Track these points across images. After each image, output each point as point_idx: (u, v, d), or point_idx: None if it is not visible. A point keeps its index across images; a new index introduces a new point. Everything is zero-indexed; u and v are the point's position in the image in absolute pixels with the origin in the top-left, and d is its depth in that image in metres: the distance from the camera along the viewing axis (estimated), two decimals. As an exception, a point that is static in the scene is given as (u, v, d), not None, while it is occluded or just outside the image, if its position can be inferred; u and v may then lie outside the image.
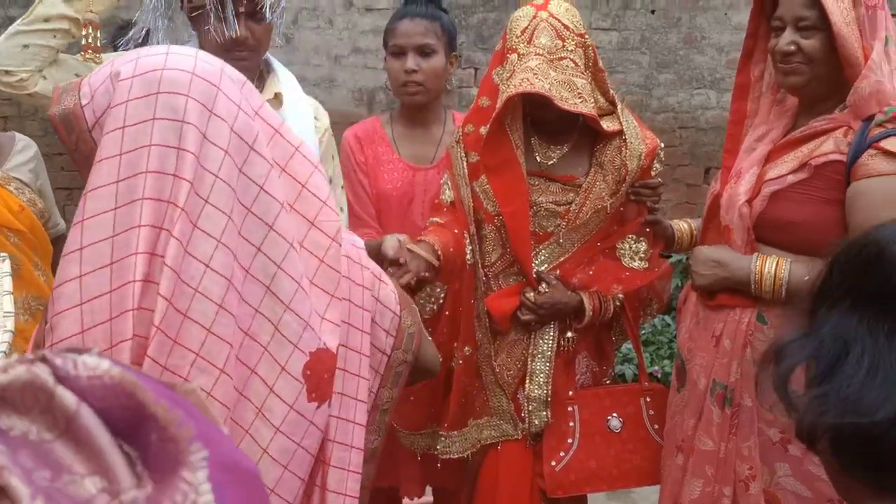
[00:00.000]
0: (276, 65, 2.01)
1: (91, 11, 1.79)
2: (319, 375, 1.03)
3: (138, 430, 0.43)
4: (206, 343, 0.93)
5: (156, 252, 0.93)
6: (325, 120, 2.10)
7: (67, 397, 0.41)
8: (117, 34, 3.54)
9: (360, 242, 1.23)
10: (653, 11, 4.35)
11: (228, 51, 1.83)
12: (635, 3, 4.35)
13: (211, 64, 1.00)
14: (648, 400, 2.02)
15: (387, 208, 2.25)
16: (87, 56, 1.80)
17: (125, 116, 0.94)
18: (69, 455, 0.41)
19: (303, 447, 1.04)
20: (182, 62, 0.97)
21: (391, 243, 1.90)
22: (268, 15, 1.80)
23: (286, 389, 1.01)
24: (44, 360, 0.42)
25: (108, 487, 0.40)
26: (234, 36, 1.76)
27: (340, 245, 1.10)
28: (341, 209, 2.18)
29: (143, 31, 1.83)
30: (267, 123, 1.04)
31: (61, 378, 0.42)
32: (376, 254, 1.98)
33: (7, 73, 1.78)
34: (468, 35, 4.46)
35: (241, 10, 1.75)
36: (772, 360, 0.78)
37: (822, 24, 1.56)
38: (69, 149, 1.01)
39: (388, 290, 1.22)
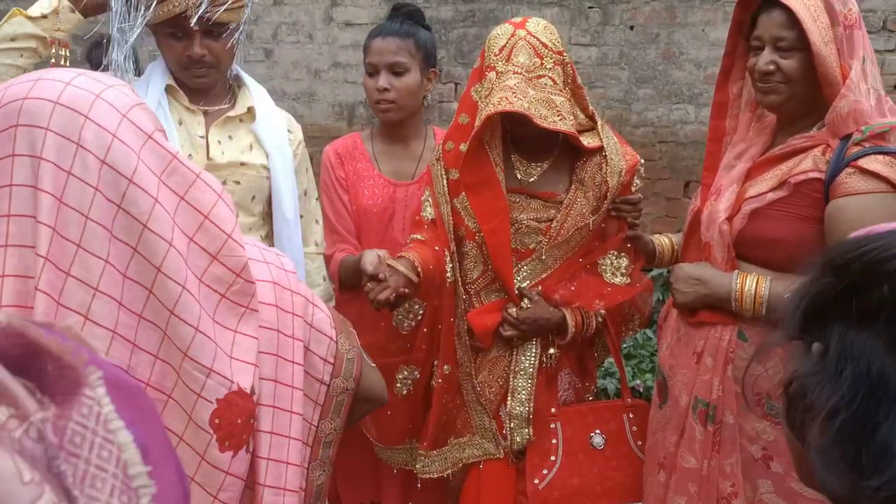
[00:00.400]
0: (248, 79, 2.01)
1: (59, 30, 1.78)
2: (232, 422, 0.94)
3: (32, 364, 0.48)
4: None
5: (26, 305, 0.83)
6: (299, 133, 2.10)
7: None
8: (92, 49, 3.52)
9: (291, 265, 1.15)
10: (632, 27, 4.38)
11: (187, 68, 1.85)
12: (614, 20, 4.39)
13: (85, 89, 0.90)
14: (631, 416, 2.01)
15: (367, 224, 2.24)
16: None
17: None
18: None
19: (220, 500, 0.96)
20: (48, 89, 0.88)
21: (370, 259, 1.89)
22: (228, 35, 1.81)
23: (195, 440, 0.93)
24: None
25: (17, 413, 0.45)
26: (190, 54, 1.80)
27: (249, 280, 1.00)
28: (316, 221, 2.17)
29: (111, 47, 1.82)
30: (163, 149, 0.94)
31: None
32: (355, 269, 1.97)
33: None
34: (448, 50, 4.47)
35: (197, 28, 1.76)
36: (790, 399, 0.72)
37: (801, 44, 1.58)
38: None
39: (322, 314, 1.15)
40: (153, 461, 0.50)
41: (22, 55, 1.77)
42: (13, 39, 1.76)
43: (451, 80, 4.50)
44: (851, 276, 0.69)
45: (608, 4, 4.38)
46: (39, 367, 0.49)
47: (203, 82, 1.89)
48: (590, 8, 4.39)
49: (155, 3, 1.75)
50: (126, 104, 0.92)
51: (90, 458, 0.47)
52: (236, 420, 0.94)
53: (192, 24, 1.75)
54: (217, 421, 0.92)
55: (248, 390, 0.96)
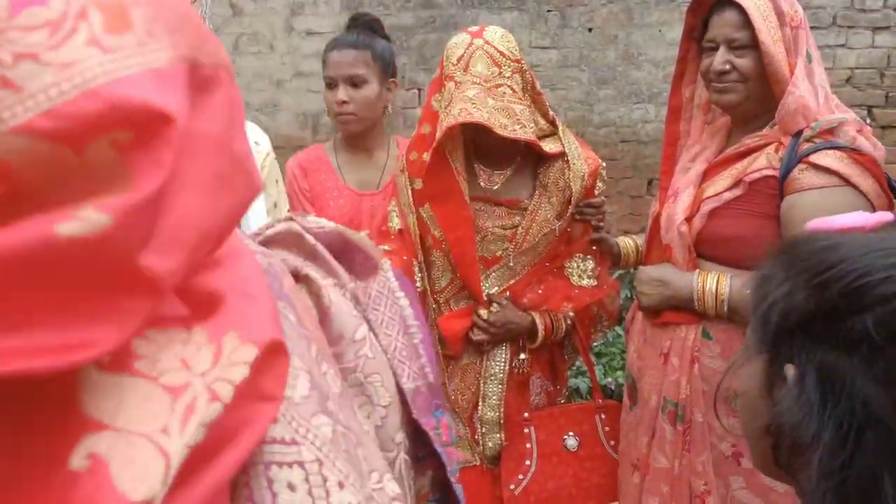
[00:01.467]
0: None
1: None
2: None
3: (347, 255, 0.69)
4: None
5: None
6: (266, 144, 2.09)
7: (309, 237, 0.67)
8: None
9: None
10: (590, 30, 4.43)
11: None
12: (573, 22, 4.43)
13: None
14: (603, 417, 2.03)
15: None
16: None
17: None
18: (315, 268, 0.65)
19: None
20: None
21: None
22: None
23: None
24: (291, 219, 0.69)
25: (338, 282, 0.66)
26: None
27: None
28: None
29: None
30: None
31: (304, 228, 0.68)
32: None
33: None
34: (410, 56, 4.47)
35: None
36: (774, 439, 0.69)
37: (753, 43, 1.61)
38: None
39: None
40: (419, 321, 0.71)
41: None
42: None
43: (414, 86, 4.50)
44: (830, 299, 0.66)
45: (566, 7, 4.42)
46: (351, 257, 0.69)
47: None
48: (548, 11, 4.43)
49: None
50: None
51: (385, 311, 0.68)
52: None
53: None
54: None
55: None
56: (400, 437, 0.64)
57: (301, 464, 0.48)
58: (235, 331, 0.45)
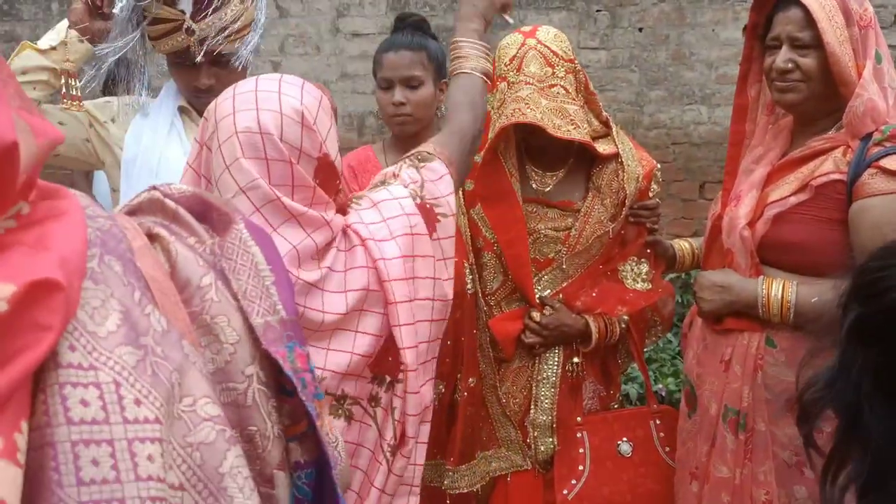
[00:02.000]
0: None
1: (68, 61, 1.79)
2: None
3: (206, 215, 0.78)
4: None
5: None
6: None
7: (170, 202, 0.77)
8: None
9: None
10: (640, 29, 4.36)
11: (196, 97, 1.86)
12: (623, 22, 4.37)
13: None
14: (658, 422, 1.99)
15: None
16: (66, 104, 1.80)
17: None
18: (177, 229, 0.75)
19: None
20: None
21: None
22: (235, 63, 1.81)
23: None
24: (154, 188, 0.79)
25: (198, 241, 0.75)
26: (197, 85, 1.82)
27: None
28: None
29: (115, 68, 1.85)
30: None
31: (165, 195, 0.78)
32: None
33: None
34: (457, 58, 4.46)
35: (203, 59, 1.77)
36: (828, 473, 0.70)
37: (817, 42, 1.56)
38: None
39: None
40: (273, 266, 0.78)
41: (35, 88, 1.78)
42: (24, 73, 1.77)
43: (461, 87, 4.49)
44: None
45: (616, 7, 4.36)
46: (209, 216, 0.78)
47: None
48: (598, 11, 4.37)
49: (157, 37, 1.77)
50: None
51: (237, 260, 0.76)
52: None
53: (196, 60, 1.76)
54: None
55: None
56: (251, 370, 0.73)
57: (97, 384, 0.58)
58: None
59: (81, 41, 1.82)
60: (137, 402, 0.59)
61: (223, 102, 1.15)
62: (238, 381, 0.72)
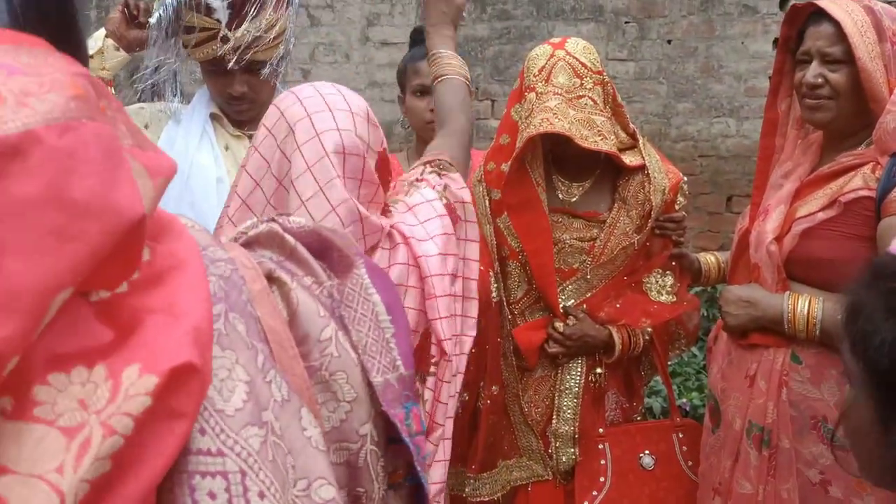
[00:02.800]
0: None
1: (104, 69, 1.83)
2: None
3: (325, 253, 0.75)
4: None
5: None
6: None
7: (289, 238, 0.73)
8: (135, 72, 3.60)
9: None
10: (669, 42, 4.36)
11: (229, 104, 1.89)
12: (651, 34, 4.37)
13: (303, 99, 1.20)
14: (681, 436, 1.98)
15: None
16: None
17: None
18: (293, 267, 0.72)
19: None
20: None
21: None
22: (266, 71, 1.84)
23: None
24: (273, 220, 0.75)
25: (316, 280, 0.72)
26: (230, 92, 1.84)
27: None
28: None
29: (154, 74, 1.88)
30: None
31: (284, 229, 0.74)
32: (400, 292, 1.97)
33: None
34: (484, 67, 4.48)
35: (237, 67, 1.79)
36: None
37: (848, 58, 1.55)
38: None
39: None
40: (393, 315, 0.75)
41: None
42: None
43: (488, 97, 4.51)
44: None
45: (645, 19, 4.36)
46: (329, 255, 0.75)
47: (245, 115, 1.93)
48: (626, 23, 4.38)
49: (192, 45, 1.79)
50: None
51: (357, 308, 0.73)
52: None
53: (229, 67, 1.79)
54: None
55: None
56: (366, 429, 0.70)
57: (224, 474, 0.54)
58: (138, 362, 0.49)
59: (117, 49, 1.85)
60: (261, 496, 0.55)
61: (293, 107, 1.18)
62: (352, 440, 0.69)
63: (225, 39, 1.77)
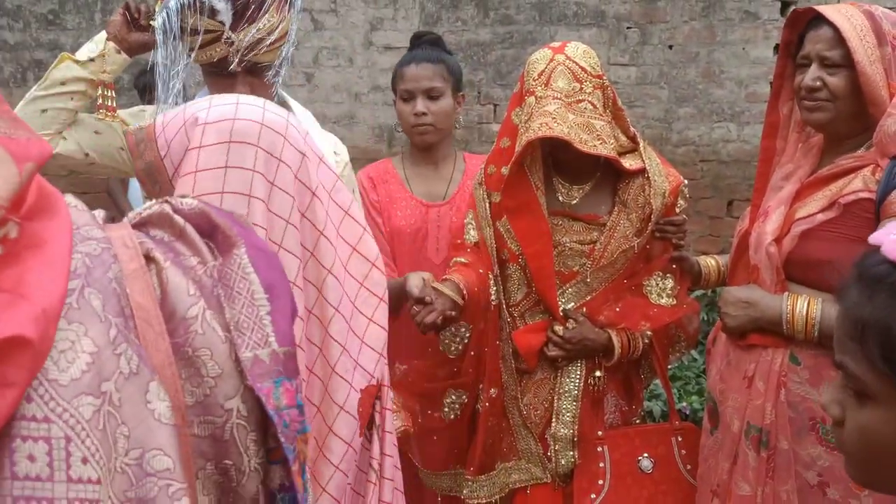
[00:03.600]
0: (293, 104, 2.04)
1: (105, 72, 1.82)
2: (366, 409, 1.09)
3: (212, 234, 0.76)
4: None
5: None
6: (345, 154, 2.11)
7: (178, 219, 0.75)
8: (139, 76, 3.61)
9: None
10: (671, 47, 4.37)
11: None
12: (653, 39, 4.38)
13: (277, 114, 1.05)
14: (680, 440, 1.98)
15: (400, 245, 2.27)
16: (102, 115, 1.83)
17: (198, 161, 1.00)
18: (182, 247, 0.74)
19: (350, 482, 1.09)
20: (251, 112, 1.03)
21: (415, 282, 1.91)
22: (269, 74, 1.84)
23: (345, 428, 1.05)
24: (166, 201, 0.77)
25: (201, 261, 0.74)
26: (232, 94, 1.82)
27: (381, 270, 1.13)
28: None
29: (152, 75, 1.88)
30: (331, 170, 1.10)
31: (175, 209, 0.76)
32: (399, 292, 1.98)
33: None
34: (487, 72, 4.50)
35: (239, 69, 1.79)
36: None
37: (847, 62, 1.56)
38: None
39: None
40: (272, 293, 0.75)
41: (72, 98, 1.80)
42: (63, 83, 1.79)
43: (490, 101, 4.52)
44: None
45: (646, 24, 4.37)
46: (215, 235, 0.77)
47: None
48: (628, 28, 4.39)
49: (197, 47, 1.79)
50: (303, 130, 1.08)
51: (233, 287, 0.74)
52: (368, 408, 1.11)
53: (231, 69, 1.79)
54: (360, 409, 1.08)
55: (376, 377, 1.13)
56: (231, 404, 0.71)
57: (48, 439, 0.57)
58: None
59: (119, 52, 1.84)
60: (84, 461, 0.58)
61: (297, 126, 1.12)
62: (216, 414, 0.71)
63: (229, 42, 1.77)
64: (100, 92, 1.83)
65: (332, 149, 2.06)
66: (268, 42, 1.80)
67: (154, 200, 0.78)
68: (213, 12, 1.75)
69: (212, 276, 0.73)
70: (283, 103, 2.04)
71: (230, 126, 1.00)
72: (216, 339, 0.70)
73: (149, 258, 0.70)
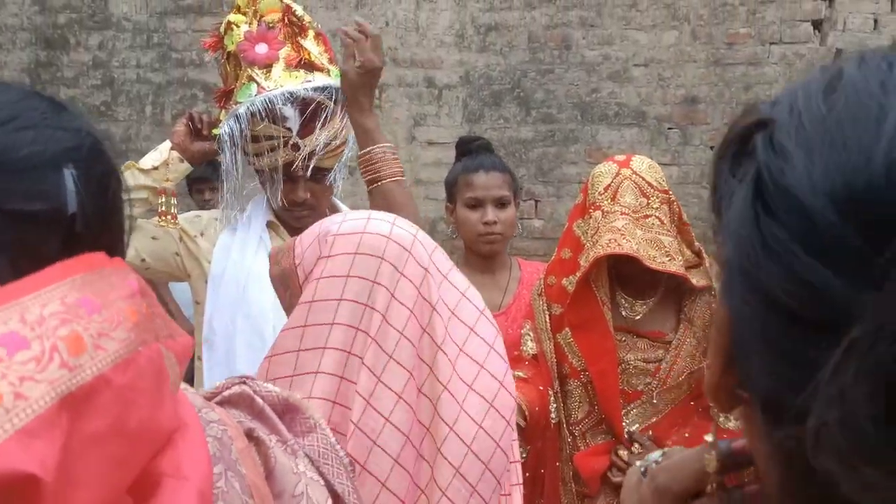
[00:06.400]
0: (343, 208, 2.05)
1: (167, 180, 1.87)
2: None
3: (288, 414, 0.81)
4: (380, 497, 0.97)
5: (345, 404, 1.00)
6: None
7: (258, 399, 0.79)
8: (195, 182, 3.67)
9: None
10: (711, 147, 4.38)
11: (290, 209, 1.88)
12: (694, 140, 4.40)
13: (405, 230, 1.08)
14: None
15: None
16: (163, 221, 1.87)
17: (323, 270, 1.04)
18: (260, 426, 0.76)
19: None
20: (380, 227, 1.07)
21: None
22: (330, 178, 1.86)
23: None
24: (244, 383, 0.81)
25: (279, 439, 0.77)
26: (294, 198, 1.84)
27: (510, 391, 1.10)
28: None
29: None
30: (455, 288, 1.09)
31: (254, 391, 0.80)
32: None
33: None
34: (528, 168, 4.53)
35: (301, 174, 1.81)
36: None
37: None
38: (284, 305, 1.11)
39: None
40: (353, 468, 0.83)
41: (135, 206, 1.85)
42: (126, 191, 1.83)
43: (532, 197, 4.54)
44: None
45: (687, 125, 4.40)
46: (292, 417, 0.81)
47: (304, 222, 1.93)
48: (669, 128, 4.42)
49: (259, 153, 1.82)
50: (431, 245, 1.10)
51: (333, 465, 0.79)
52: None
53: (298, 173, 1.81)
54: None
55: None
56: None
57: None
58: None
59: (181, 161, 1.89)
60: None
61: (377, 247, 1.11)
62: None
63: (296, 147, 1.79)
64: (162, 199, 1.86)
65: None
66: (331, 147, 1.82)
67: (235, 379, 0.82)
68: (282, 119, 1.79)
69: (293, 454, 0.78)
70: (334, 208, 2.04)
71: (359, 239, 1.04)
72: None
73: (250, 437, 0.74)
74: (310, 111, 1.77)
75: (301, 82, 1.79)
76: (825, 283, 0.35)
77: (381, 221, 1.08)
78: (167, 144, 1.92)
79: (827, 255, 0.35)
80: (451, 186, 2.31)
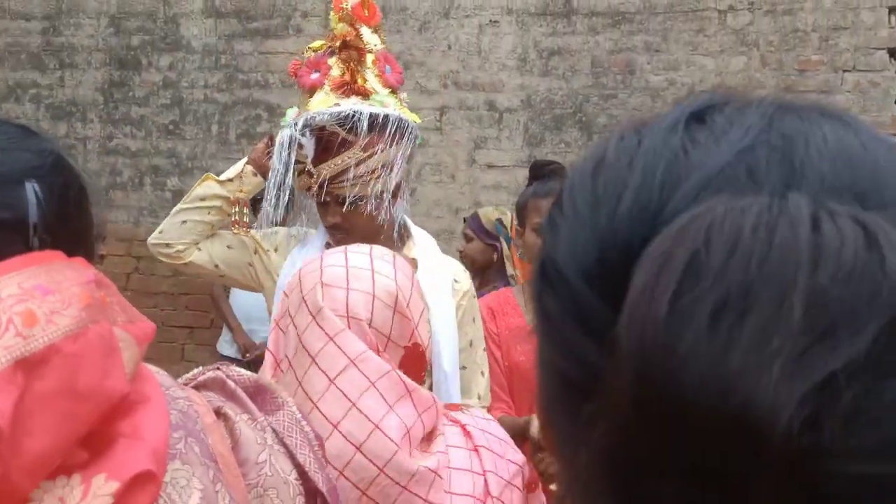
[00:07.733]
0: (415, 230, 2.03)
1: (241, 191, 1.96)
2: None
3: (259, 395, 0.89)
4: None
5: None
6: (466, 282, 2.05)
7: (230, 383, 0.87)
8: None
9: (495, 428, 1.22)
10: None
11: (330, 232, 1.93)
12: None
13: (317, 265, 1.17)
14: None
15: (519, 381, 2.17)
16: (236, 230, 1.96)
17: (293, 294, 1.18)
18: (234, 407, 0.84)
19: None
20: (337, 260, 1.17)
21: (539, 426, 1.80)
22: (371, 205, 1.85)
23: None
24: (219, 369, 0.90)
25: (251, 417, 0.85)
26: (324, 221, 1.90)
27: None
28: (482, 373, 2.08)
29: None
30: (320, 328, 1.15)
31: (227, 375, 0.89)
32: (518, 432, 1.87)
33: (167, 245, 1.96)
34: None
35: (328, 199, 1.84)
36: None
37: None
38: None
39: None
40: (320, 443, 0.90)
41: (209, 213, 1.95)
42: (202, 199, 1.95)
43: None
44: None
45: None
46: (263, 396, 0.89)
47: (343, 244, 1.93)
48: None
49: (296, 177, 1.89)
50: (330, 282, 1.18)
51: (296, 437, 0.86)
52: None
53: (318, 199, 1.86)
54: None
55: None
56: None
57: None
58: (105, 472, 0.65)
59: (255, 175, 1.95)
60: None
61: (308, 275, 1.13)
62: None
63: (310, 174, 1.84)
64: (236, 209, 1.95)
65: (451, 277, 2.01)
66: (349, 175, 1.80)
67: (210, 367, 0.92)
68: (300, 146, 1.84)
69: (263, 430, 0.85)
70: (406, 229, 2.02)
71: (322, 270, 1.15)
72: (280, 481, 0.83)
73: (218, 413, 0.83)
74: (324, 140, 1.81)
75: (329, 107, 1.82)
76: (585, 352, 0.37)
77: (358, 255, 1.19)
78: (243, 161, 2.02)
79: (586, 325, 0.37)
80: (521, 210, 2.27)
